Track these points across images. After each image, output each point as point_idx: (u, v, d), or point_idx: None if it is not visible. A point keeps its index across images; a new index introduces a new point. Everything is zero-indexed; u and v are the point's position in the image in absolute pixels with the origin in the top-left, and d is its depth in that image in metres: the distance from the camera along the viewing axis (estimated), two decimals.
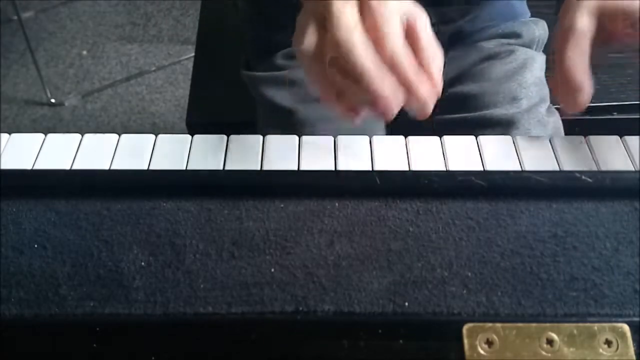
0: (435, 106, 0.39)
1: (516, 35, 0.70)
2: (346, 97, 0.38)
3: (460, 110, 0.66)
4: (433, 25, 0.39)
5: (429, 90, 0.37)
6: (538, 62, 0.71)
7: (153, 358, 0.34)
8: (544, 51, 0.74)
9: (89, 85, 1.63)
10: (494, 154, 0.47)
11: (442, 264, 0.38)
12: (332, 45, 0.35)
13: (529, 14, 0.74)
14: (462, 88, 0.67)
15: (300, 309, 0.36)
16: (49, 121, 1.55)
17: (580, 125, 0.84)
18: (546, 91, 0.70)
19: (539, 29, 0.72)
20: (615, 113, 0.83)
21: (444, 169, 0.46)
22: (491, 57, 0.68)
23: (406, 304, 0.37)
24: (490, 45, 0.68)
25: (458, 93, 0.67)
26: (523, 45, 0.71)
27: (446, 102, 0.66)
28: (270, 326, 0.36)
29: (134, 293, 0.37)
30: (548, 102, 0.69)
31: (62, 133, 0.48)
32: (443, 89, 0.65)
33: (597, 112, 0.83)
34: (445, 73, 0.66)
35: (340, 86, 0.37)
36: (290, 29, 0.38)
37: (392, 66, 0.35)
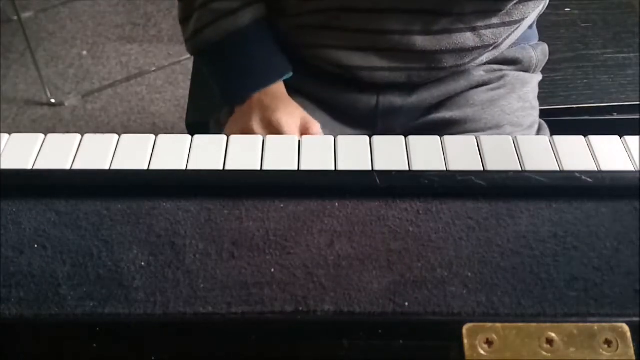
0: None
1: (514, 62, 0.69)
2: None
3: (441, 134, 0.65)
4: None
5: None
6: (531, 85, 0.69)
7: (153, 358, 0.34)
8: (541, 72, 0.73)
9: (89, 85, 1.62)
10: (493, 154, 0.47)
11: (442, 264, 0.38)
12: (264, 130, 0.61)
13: (537, 38, 0.73)
14: (445, 113, 0.66)
15: (300, 309, 0.36)
16: (49, 121, 1.55)
17: (580, 126, 0.84)
18: (536, 115, 0.69)
19: (538, 53, 0.70)
20: (615, 114, 0.83)
21: (444, 169, 0.46)
22: (480, 84, 0.67)
23: (406, 304, 0.37)
24: (481, 72, 0.67)
25: (440, 118, 0.66)
26: (520, 71, 0.69)
27: (428, 126, 0.66)
28: (270, 326, 0.36)
29: (134, 293, 0.37)
30: (537, 127, 0.68)
31: (62, 133, 0.48)
32: (426, 114, 0.65)
33: (597, 113, 0.83)
34: (431, 98, 0.65)
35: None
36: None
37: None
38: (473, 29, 0.60)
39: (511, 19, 0.61)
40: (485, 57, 0.65)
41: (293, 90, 0.65)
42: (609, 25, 0.94)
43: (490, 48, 0.63)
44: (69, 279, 0.38)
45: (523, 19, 0.62)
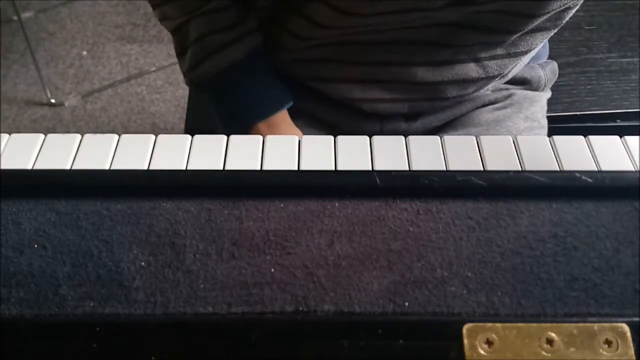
0: None
1: (522, 82, 0.67)
2: None
3: None
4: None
5: None
6: (539, 104, 0.68)
7: (153, 358, 0.34)
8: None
9: (89, 85, 1.62)
10: (494, 154, 0.47)
11: (442, 264, 0.38)
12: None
13: (548, 54, 0.71)
14: (451, 134, 0.64)
15: (300, 309, 0.36)
16: (49, 121, 1.55)
17: (583, 132, 0.83)
18: (544, 134, 0.67)
19: (547, 72, 0.69)
20: (618, 120, 0.82)
21: (444, 169, 0.46)
22: (486, 103, 0.65)
23: (406, 304, 0.37)
24: (487, 92, 0.65)
25: None
26: (528, 90, 0.68)
27: None
28: (270, 326, 0.36)
29: (134, 293, 0.37)
30: None
31: (62, 133, 0.48)
32: (432, 134, 0.65)
33: (601, 119, 0.82)
34: (436, 121, 0.65)
35: None
36: None
37: None
38: (476, 60, 0.58)
39: (517, 50, 0.59)
40: (490, 87, 0.63)
41: (296, 112, 0.64)
42: (613, 27, 0.93)
43: (496, 79, 0.61)
44: (69, 279, 0.38)
45: (529, 50, 0.60)
